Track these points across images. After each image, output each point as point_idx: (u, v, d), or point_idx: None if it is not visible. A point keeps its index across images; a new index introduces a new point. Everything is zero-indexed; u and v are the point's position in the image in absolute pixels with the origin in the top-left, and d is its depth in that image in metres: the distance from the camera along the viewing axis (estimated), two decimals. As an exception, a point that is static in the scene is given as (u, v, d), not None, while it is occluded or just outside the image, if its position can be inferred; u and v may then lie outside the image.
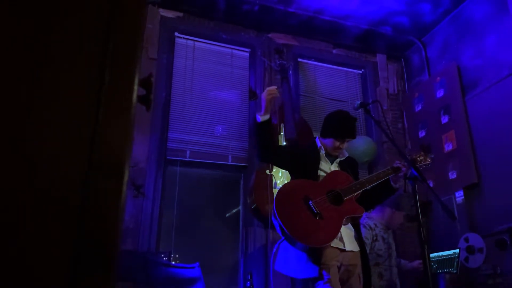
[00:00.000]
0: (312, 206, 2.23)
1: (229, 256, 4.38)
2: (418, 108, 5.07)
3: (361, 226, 3.36)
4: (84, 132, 0.56)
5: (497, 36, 4.28)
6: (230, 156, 4.50)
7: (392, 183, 2.47)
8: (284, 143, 4.35)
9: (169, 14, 4.70)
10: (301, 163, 2.47)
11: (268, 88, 2.41)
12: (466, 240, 3.86)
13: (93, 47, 0.59)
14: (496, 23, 4.29)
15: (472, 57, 4.55)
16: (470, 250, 3.79)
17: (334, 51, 5.33)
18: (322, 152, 2.57)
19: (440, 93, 4.78)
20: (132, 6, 0.64)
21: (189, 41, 4.79)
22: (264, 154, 2.45)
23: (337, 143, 2.52)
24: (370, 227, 3.39)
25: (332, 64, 5.33)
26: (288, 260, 2.29)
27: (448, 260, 3.46)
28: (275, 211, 2.21)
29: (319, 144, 2.60)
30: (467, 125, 4.38)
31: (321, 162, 2.52)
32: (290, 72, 4.95)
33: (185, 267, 3.30)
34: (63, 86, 0.57)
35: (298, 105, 4.87)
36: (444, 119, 4.64)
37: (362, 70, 5.44)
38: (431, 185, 4.64)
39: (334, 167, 2.55)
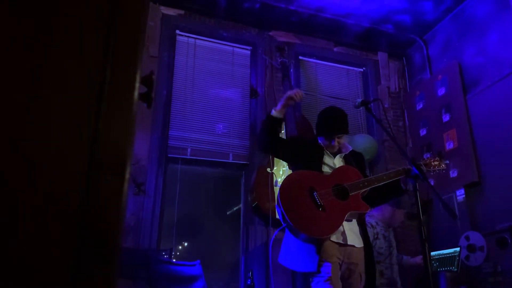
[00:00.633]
0: (316, 197, 2.24)
1: (230, 253, 4.39)
2: (419, 106, 5.06)
3: None
4: (85, 131, 0.56)
5: (498, 34, 4.27)
6: (231, 154, 4.50)
7: (402, 184, 2.46)
8: (285, 141, 4.35)
9: (170, 11, 4.70)
10: (305, 156, 2.47)
11: (297, 90, 2.44)
12: (467, 238, 3.86)
13: (94, 46, 0.59)
14: (498, 21, 4.28)
15: (473, 55, 4.54)
16: (471, 248, 3.79)
17: (335, 49, 5.32)
18: (325, 148, 2.58)
19: (441, 92, 4.77)
20: (133, 4, 0.64)
21: (190, 39, 4.79)
22: (268, 146, 2.50)
23: (327, 141, 2.54)
24: (372, 225, 3.40)
25: (333, 62, 5.32)
26: (289, 253, 2.29)
27: (448, 259, 3.46)
28: (279, 198, 2.23)
29: (320, 141, 2.61)
30: (468, 123, 4.37)
31: (324, 156, 2.53)
32: (291, 70, 4.94)
33: (186, 264, 3.31)
34: (64, 85, 0.57)
35: (299, 103, 4.86)
36: (445, 118, 4.64)
37: (363, 68, 5.43)
38: (432, 183, 4.64)
39: (338, 161, 2.54)
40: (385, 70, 5.45)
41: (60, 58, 0.56)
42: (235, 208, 4.57)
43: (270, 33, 5.04)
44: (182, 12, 4.75)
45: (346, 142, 2.65)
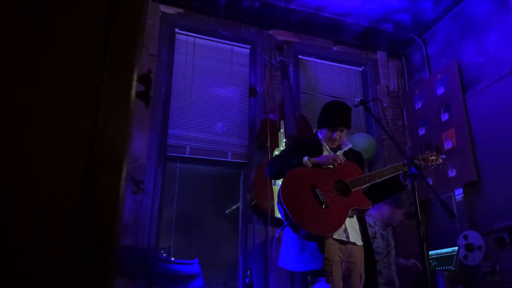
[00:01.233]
0: (319, 194, 2.22)
1: (229, 252, 4.39)
2: (418, 105, 5.06)
3: None
4: (84, 130, 0.56)
5: (498, 34, 4.27)
6: (230, 153, 4.50)
7: (401, 179, 2.45)
8: (284, 140, 4.35)
9: (170, 10, 4.69)
10: (304, 153, 2.45)
11: (340, 157, 2.37)
12: (465, 237, 3.87)
13: (93, 45, 0.59)
14: (497, 20, 4.29)
15: (473, 54, 4.55)
16: (469, 247, 3.80)
17: (334, 48, 5.32)
18: (324, 144, 2.56)
19: (440, 91, 4.78)
20: (133, 4, 0.64)
21: (189, 38, 4.78)
22: (277, 177, 2.50)
23: (330, 133, 2.51)
24: (369, 225, 3.40)
25: (333, 61, 5.32)
26: (290, 254, 2.27)
27: (447, 258, 3.46)
28: (281, 196, 2.20)
29: (320, 137, 2.59)
30: (467, 123, 4.38)
31: (323, 152, 2.51)
32: (291, 69, 4.94)
33: (184, 263, 3.31)
34: (63, 85, 0.57)
35: (298, 102, 4.87)
36: (444, 117, 4.64)
37: (363, 67, 5.43)
38: (430, 182, 4.65)
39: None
40: (384, 69, 5.45)
41: (60, 58, 0.56)
42: (234, 207, 4.58)
43: (270, 32, 5.04)
44: (181, 10, 4.74)
45: (346, 139, 2.65)
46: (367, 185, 2.35)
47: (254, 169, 4.25)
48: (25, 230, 0.50)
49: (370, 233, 3.32)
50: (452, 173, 4.42)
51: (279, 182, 4.02)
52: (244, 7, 4.78)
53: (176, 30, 4.71)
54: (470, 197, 4.25)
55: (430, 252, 3.60)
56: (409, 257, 3.66)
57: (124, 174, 0.56)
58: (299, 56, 5.15)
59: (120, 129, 0.57)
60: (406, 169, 2.40)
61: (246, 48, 5.00)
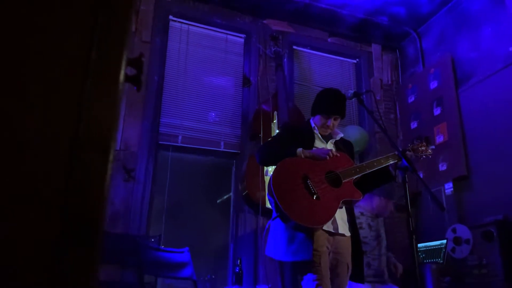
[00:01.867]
0: (310, 185, 2.21)
1: (219, 241, 4.41)
2: (411, 99, 5.08)
3: None
4: (70, 109, 0.55)
5: (492, 29, 4.28)
6: (222, 143, 4.49)
7: (391, 170, 2.45)
8: (277, 131, 4.34)
9: (164, -4, 4.64)
10: (296, 142, 2.42)
11: (334, 153, 2.34)
12: (454, 231, 3.91)
13: (82, 23, 0.58)
14: (492, 15, 4.29)
15: (467, 49, 4.56)
16: (457, 241, 3.84)
17: (329, 39, 5.30)
18: (316, 132, 2.54)
19: (433, 85, 4.79)
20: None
21: (183, 25, 4.73)
22: (266, 163, 2.49)
23: (324, 120, 2.50)
24: (356, 216, 3.41)
25: (327, 53, 5.30)
26: (278, 244, 2.25)
27: (435, 251, 3.50)
28: (272, 187, 2.18)
29: (312, 125, 2.57)
30: (459, 117, 4.40)
31: (315, 141, 2.49)
32: (285, 59, 4.92)
33: (175, 251, 3.32)
34: (49, 63, 0.56)
35: (292, 93, 4.86)
36: (437, 111, 4.66)
37: (357, 59, 5.43)
38: (421, 176, 4.68)
39: (329, 147, 2.52)
40: (379, 62, 5.45)
41: (46, 35, 0.54)
42: (225, 197, 4.58)
43: (265, 22, 5.01)
44: (176, -3, 4.69)
45: (338, 130, 2.64)
46: (358, 176, 2.35)
47: (246, 160, 4.24)
48: (5, 210, 0.49)
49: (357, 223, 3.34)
50: (442, 167, 4.45)
51: (271, 172, 4.04)
52: (239, -4, 4.73)
53: (170, 17, 4.66)
54: (460, 191, 4.29)
55: (419, 245, 3.64)
56: (399, 251, 3.67)
57: (111, 156, 0.55)
58: (294, 47, 5.13)
59: (108, 109, 0.56)
60: (396, 160, 2.40)
61: (241, 37, 4.97)
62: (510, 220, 3.68)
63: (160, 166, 4.25)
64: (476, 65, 4.39)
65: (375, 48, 5.49)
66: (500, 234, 3.60)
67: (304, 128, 2.57)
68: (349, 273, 2.33)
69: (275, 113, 4.44)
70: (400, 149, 2.38)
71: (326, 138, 2.56)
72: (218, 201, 4.65)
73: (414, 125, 4.95)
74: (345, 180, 2.29)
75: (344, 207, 2.39)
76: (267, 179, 4.13)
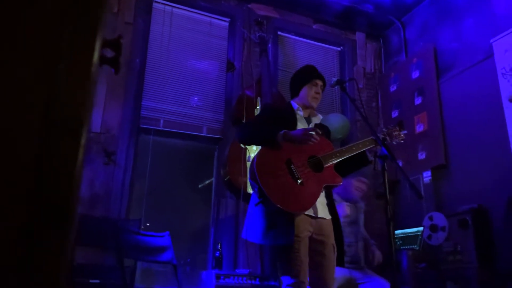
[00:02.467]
0: (294, 170, 2.21)
1: (200, 226, 4.42)
2: (393, 88, 5.12)
3: None
4: (41, 91, 0.53)
5: (474, 20, 4.33)
6: (205, 128, 4.46)
7: (368, 154, 2.45)
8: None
9: (147, -23, 4.54)
10: (278, 123, 2.39)
11: (314, 134, 2.26)
12: (430, 218, 4.00)
13: (54, 4, 0.55)
14: (475, 7, 4.33)
15: (449, 40, 4.60)
16: (433, 228, 3.93)
17: (314, 26, 5.29)
18: (301, 113, 2.52)
19: (415, 75, 4.84)
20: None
21: (167, 7, 4.65)
22: (247, 143, 2.46)
23: (312, 88, 2.50)
24: None
25: (312, 40, 5.29)
26: (258, 227, 2.23)
27: (411, 237, 3.58)
28: (256, 172, 2.15)
29: (295, 106, 2.54)
30: (439, 107, 4.46)
31: (298, 124, 2.46)
32: (270, 45, 4.89)
33: (155, 235, 3.31)
34: (19, 42, 0.54)
35: (276, 79, 4.84)
36: (418, 101, 4.72)
37: (341, 47, 5.43)
38: (400, 164, 4.75)
39: None
40: (362, 50, 5.47)
41: (15, 14, 0.52)
42: (207, 182, 4.58)
43: (250, 6, 4.96)
44: (159, -22, 4.59)
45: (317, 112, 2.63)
46: (338, 160, 2.35)
47: (228, 145, 4.23)
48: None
49: None
50: (422, 155, 4.53)
51: (255, 155, 4.04)
52: (224, -21, 4.66)
53: (154, -2, 4.57)
54: (438, 179, 4.37)
55: (396, 232, 3.71)
56: (376, 238, 3.72)
57: (83, 140, 0.54)
58: (279, 33, 5.10)
59: (81, 92, 0.54)
60: (373, 145, 2.40)
61: (225, 21, 4.91)
62: (484, 209, 3.78)
63: (141, 150, 4.21)
64: (457, 56, 4.44)
65: (359, 36, 5.50)
66: (475, 222, 3.69)
67: (286, 110, 2.54)
68: (336, 254, 2.35)
69: (259, 99, 4.43)
70: (380, 138, 2.40)
71: (308, 120, 2.55)
72: (199, 186, 4.65)
73: (395, 113, 5.01)
74: (327, 165, 2.29)
75: (323, 192, 2.38)
76: (249, 164, 4.13)
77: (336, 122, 4.52)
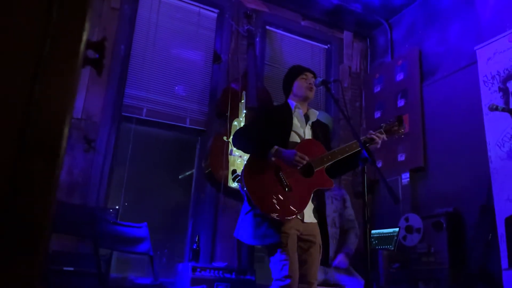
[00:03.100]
0: (282, 177, 2.23)
1: (179, 217, 4.40)
2: (377, 89, 5.17)
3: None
4: (23, 87, 0.51)
5: (460, 26, 4.38)
6: (188, 119, 4.43)
7: (364, 152, 2.44)
8: (244, 111, 4.33)
9: (136, -38, 4.45)
10: (274, 126, 2.40)
11: (302, 160, 2.23)
12: (406, 219, 4.07)
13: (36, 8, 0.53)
14: (462, 12, 4.39)
15: (434, 44, 4.66)
16: (408, 229, 4.01)
17: (302, 22, 5.28)
18: (299, 111, 2.50)
19: (400, 77, 4.89)
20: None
21: (155, -6, 4.57)
22: (241, 150, 2.47)
23: (304, 81, 2.51)
24: (337, 198, 3.67)
25: (299, 36, 5.29)
26: (247, 227, 2.26)
27: (387, 238, 3.64)
28: (243, 180, 2.20)
29: (293, 104, 2.53)
30: (421, 110, 4.52)
31: (294, 123, 2.45)
32: (257, 39, 4.87)
33: (132, 226, 3.29)
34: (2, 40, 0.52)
35: (262, 74, 4.83)
36: (401, 103, 4.77)
37: (328, 45, 5.45)
38: (380, 165, 4.82)
39: (308, 130, 2.51)
40: (349, 49, 5.49)
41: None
42: (187, 173, 4.55)
43: (239, -2, 4.92)
44: (149, -36, 4.51)
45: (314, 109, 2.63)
46: (330, 163, 2.35)
47: (211, 137, 4.22)
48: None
49: (341, 205, 3.54)
50: (401, 157, 4.59)
51: (236, 152, 4.04)
52: (215, -31, 4.61)
53: (142, -16, 4.49)
54: (416, 182, 4.45)
55: (373, 231, 3.77)
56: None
57: (60, 162, 0.53)
58: (267, 27, 5.08)
59: (62, 92, 0.53)
60: (369, 144, 2.38)
61: (214, 12, 4.87)
62: (459, 213, 3.88)
63: (122, 138, 4.16)
64: (442, 61, 4.50)
65: (347, 35, 5.52)
66: (449, 225, 3.78)
67: (282, 109, 2.54)
68: (321, 254, 2.38)
69: (244, 93, 4.42)
70: (362, 140, 2.40)
71: (306, 118, 2.54)
72: (180, 177, 4.62)
73: (377, 114, 5.06)
74: (317, 169, 2.30)
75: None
76: (231, 158, 4.13)
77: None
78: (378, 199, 4.83)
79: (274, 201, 2.19)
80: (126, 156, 4.13)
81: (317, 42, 5.40)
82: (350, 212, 3.69)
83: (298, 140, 2.42)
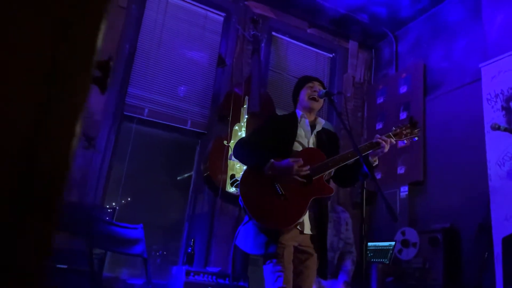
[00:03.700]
0: (277, 187, 2.21)
1: (175, 219, 4.39)
2: (380, 100, 5.16)
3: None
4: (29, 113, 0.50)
5: (466, 42, 4.38)
6: (189, 121, 4.42)
7: (370, 158, 2.37)
8: (246, 116, 4.32)
9: (146, -38, 4.45)
10: (278, 136, 2.39)
11: (300, 172, 2.22)
12: (403, 233, 4.06)
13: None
14: (468, 29, 4.39)
15: (439, 58, 4.65)
16: (404, 243, 3.99)
17: (308, 30, 5.28)
18: (306, 120, 2.48)
19: (403, 89, 4.88)
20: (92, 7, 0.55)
21: (163, -5, 4.58)
22: (239, 161, 2.49)
23: (309, 89, 2.51)
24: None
25: (305, 44, 5.29)
26: (248, 237, 2.26)
27: (383, 251, 3.63)
28: (240, 191, 2.21)
29: (299, 114, 2.51)
30: (423, 124, 4.52)
31: (298, 133, 2.42)
32: (263, 44, 4.87)
33: (128, 227, 3.28)
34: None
35: (265, 80, 4.83)
36: (402, 115, 4.77)
37: (333, 54, 5.45)
38: (379, 176, 4.81)
39: (312, 139, 2.47)
40: (354, 59, 5.49)
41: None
42: (186, 175, 4.54)
43: (246, 3, 4.92)
44: (158, -35, 4.52)
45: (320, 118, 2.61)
46: (331, 170, 2.30)
47: (212, 141, 4.21)
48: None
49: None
50: (401, 170, 4.58)
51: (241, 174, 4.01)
52: (224, -27, 4.61)
53: (150, -15, 4.49)
54: (414, 195, 4.44)
55: (369, 244, 3.76)
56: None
57: (56, 219, 0.52)
58: (273, 33, 5.08)
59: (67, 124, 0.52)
60: (375, 148, 2.34)
61: (221, 15, 4.87)
62: (456, 229, 3.86)
63: (122, 138, 4.16)
64: (446, 76, 4.49)
65: (352, 45, 5.52)
66: (445, 242, 3.77)
67: (288, 119, 2.52)
68: (317, 266, 2.36)
69: (246, 97, 4.41)
70: (362, 154, 2.37)
71: (312, 127, 2.52)
72: (178, 179, 4.61)
73: (379, 125, 5.05)
74: (316, 177, 2.27)
75: (315, 204, 2.35)
76: (230, 163, 4.12)
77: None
78: (375, 211, 4.82)
79: (269, 211, 2.18)
80: (126, 155, 4.12)
81: (322, 51, 5.40)
82: (349, 235, 3.60)
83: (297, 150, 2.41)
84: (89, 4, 0.56)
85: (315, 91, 2.51)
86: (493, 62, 3.83)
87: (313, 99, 2.50)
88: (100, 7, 0.58)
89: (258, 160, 2.28)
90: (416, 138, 2.54)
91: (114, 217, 3.72)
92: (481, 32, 4.20)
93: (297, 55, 5.24)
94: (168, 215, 4.44)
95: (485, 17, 4.14)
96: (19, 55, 0.51)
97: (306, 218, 2.33)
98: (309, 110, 2.53)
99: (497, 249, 3.30)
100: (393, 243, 3.61)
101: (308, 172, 2.23)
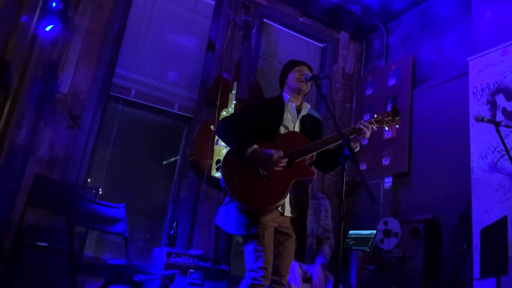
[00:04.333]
0: (260, 168, 2.22)
1: (159, 202, 4.37)
2: (369, 92, 5.18)
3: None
4: None
5: (456, 36, 4.40)
6: (176, 104, 4.40)
7: (352, 144, 2.39)
8: (234, 102, 4.31)
9: None
10: (264, 119, 2.39)
11: (281, 163, 2.22)
12: (385, 223, 4.09)
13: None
14: (457, 23, 4.41)
15: (429, 52, 4.67)
16: (386, 233, 4.03)
17: (300, 19, 5.26)
18: (292, 104, 2.48)
19: (392, 82, 4.90)
20: None
21: (154, -24, 4.52)
22: (222, 140, 2.44)
23: (297, 72, 2.51)
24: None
25: (296, 32, 5.27)
26: (228, 217, 2.27)
27: (364, 239, 3.64)
28: (221, 172, 2.21)
29: (286, 98, 2.51)
30: (409, 117, 4.54)
31: (284, 117, 2.43)
32: (254, 31, 4.84)
33: (109, 205, 3.25)
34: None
35: (255, 66, 4.81)
36: (390, 108, 4.77)
37: (324, 44, 5.44)
38: (364, 167, 4.84)
39: (297, 124, 2.48)
40: (344, 50, 5.49)
41: None
42: (172, 159, 4.52)
43: (239, -12, 4.88)
44: None
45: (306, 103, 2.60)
46: (313, 153, 2.31)
47: (199, 125, 4.19)
48: None
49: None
50: (386, 161, 4.61)
51: (222, 142, 4.01)
52: (217, -44, 4.56)
53: (141, -35, 4.43)
54: (398, 187, 4.47)
55: (350, 232, 3.77)
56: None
57: None
58: (265, 20, 5.05)
59: None
60: (356, 134, 2.37)
61: (212, -1, 4.82)
62: (437, 221, 3.90)
63: (108, 118, 4.12)
64: (434, 69, 4.52)
65: (343, 36, 5.51)
66: (426, 233, 3.81)
67: (275, 102, 2.51)
68: (295, 248, 2.39)
69: (235, 83, 4.40)
70: (348, 129, 2.40)
71: (298, 111, 2.51)
72: (164, 163, 4.58)
73: (366, 117, 5.06)
74: (298, 160, 2.28)
75: (295, 188, 2.35)
76: (217, 148, 4.11)
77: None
78: (359, 201, 4.85)
79: (251, 192, 2.19)
80: (111, 136, 4.09)
81: (313, 40, 5.39)
82: (328, 222, 3.73)
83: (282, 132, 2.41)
84: None
85: (303, 74, 2.51)
86: (481, 56, 3.85)
87: (302, 81, 2.51)
88: None
89: (241, 144, 2.28)
90: (397, 126, 2.55)
91: (97, 198, 3.69)
92: (470, 26, 4.22)
93: (287, 43, 5.22)
94: (152, 198, 4.42)
95: (475, 12, 4.16)
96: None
97: (286, 201, 2.34)
98: (297, 92, 2.53)
99: (476, 240, 3.34)
100: (374, 231, 3.63)
101: (285, 164, 2.23)
